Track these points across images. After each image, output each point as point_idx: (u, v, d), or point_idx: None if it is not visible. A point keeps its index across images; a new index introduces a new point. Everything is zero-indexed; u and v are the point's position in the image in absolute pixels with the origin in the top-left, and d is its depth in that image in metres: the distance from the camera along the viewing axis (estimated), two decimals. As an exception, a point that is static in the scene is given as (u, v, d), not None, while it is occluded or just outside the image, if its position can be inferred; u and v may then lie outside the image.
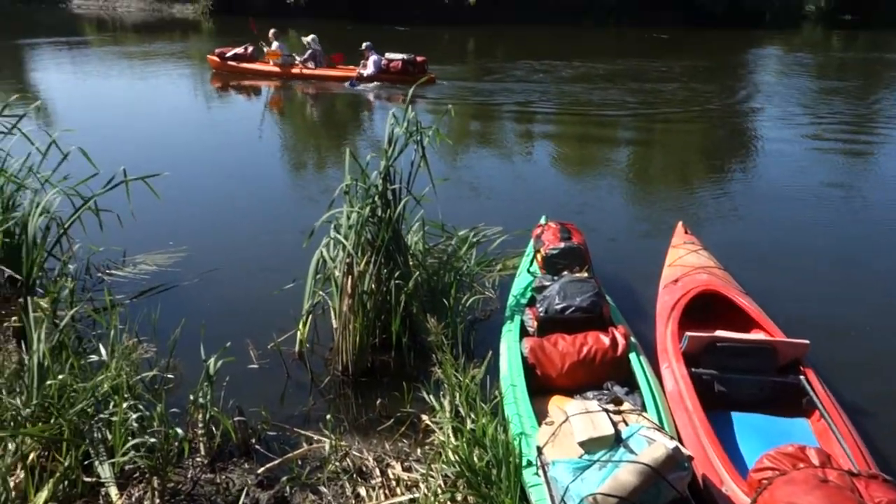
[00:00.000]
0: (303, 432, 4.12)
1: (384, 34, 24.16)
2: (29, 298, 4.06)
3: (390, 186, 4.81)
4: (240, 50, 16.37)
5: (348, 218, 4.72)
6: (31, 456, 3.41)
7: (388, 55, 15.42)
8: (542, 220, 6.16)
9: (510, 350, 4.53)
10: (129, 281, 5.94)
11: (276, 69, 15.94)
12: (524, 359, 4.36)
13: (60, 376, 3.52)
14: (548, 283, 4.96)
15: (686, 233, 6.33)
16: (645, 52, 21.78)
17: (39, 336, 3.66)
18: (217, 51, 16.65)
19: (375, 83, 15.25)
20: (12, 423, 3.40)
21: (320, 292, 4.90)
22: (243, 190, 8.69)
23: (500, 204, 8.28)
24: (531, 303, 5.05)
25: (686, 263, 5.66)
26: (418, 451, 3.98)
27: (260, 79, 16.11)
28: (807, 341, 4.28)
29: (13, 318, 4.95)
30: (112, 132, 10.77)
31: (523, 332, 4.77)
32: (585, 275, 5.05)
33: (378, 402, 4.36)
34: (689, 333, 4.41)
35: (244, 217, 7.70)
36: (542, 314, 4.71)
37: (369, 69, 15.26)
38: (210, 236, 7.01)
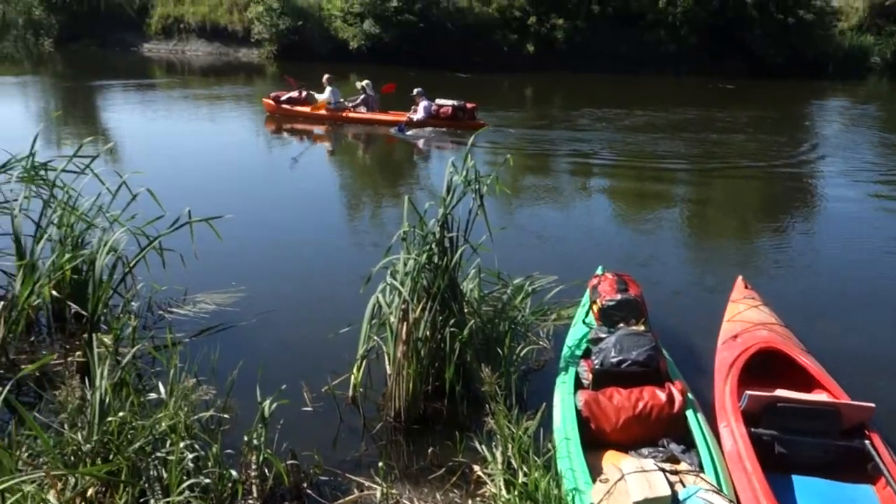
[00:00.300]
0: (354, 478, 4.12)
1: (446, 80, 24.63)
2: (93, 335, 4.19)
3: (447, 234, 4.85)
4: (294, 94, 16.67)
5: (405, 264, 4.78)
6: (90, 492, 3.48)
7: (438, 101, 15.58)
8: (599, 271, 6.12)
9: (564, 402, 4.48)
10: (189, 319, 6.08)
11: (328, 114, 16.20)
12: (578, 412, 4.30)
13: (121, 413, 3.61)
14: (604, 336, 4.91)
15: (746, 287, 6.22)
16: (705, 102, 21.65)
17: (102, 373, 3.76)
18: (272, 94, 16.99)
19: (426, 129, 15.40)
20: (73, 458, 3.49)
21: (375, 337, 4.94)
22: (301, 232, 8.86)
23: (556, 253, 8.26)
24: (586, 355, 5.00)
25: (746, 319, 5.55)
26: (469, 502, 3.94)
27: (313, 122, 16.40)
28: (872, 404, 4.14)
29: (77, 354, 5.12)
30: (177, 172, 11.09)
31: (578, 385, 4.72)
32: (642, 328, 4.99)
33: (430, 450, 4.34)
34: (749, 392, 4.31)
35: (302, 259, 7.82)
36: (597, 367, 4.66)
37: (419, 114, 15.44)
38: (269, 277, 7.13)
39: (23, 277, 5.15)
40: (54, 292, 5.55)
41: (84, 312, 5.26)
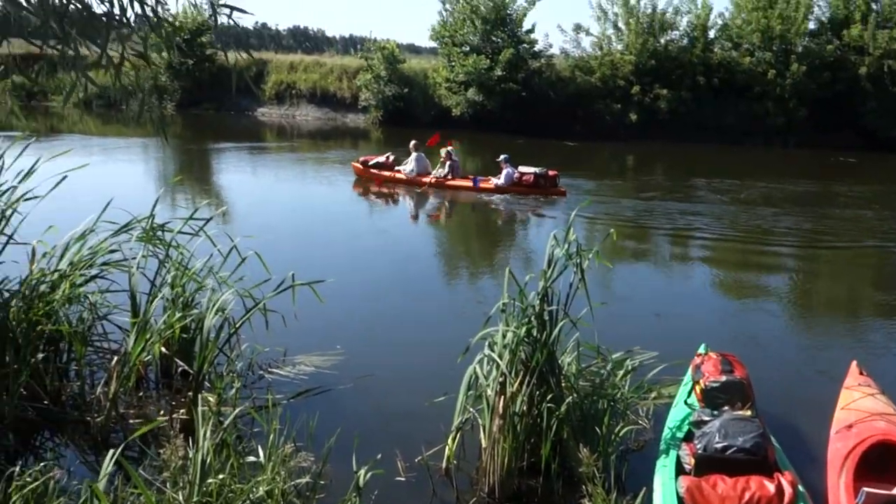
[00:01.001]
0: (445, 553, 4.05)
1: (552, 148, 24.83)
2: (198, 394, 4.32)
3: (548, 308, 4.81)
4: (381, 158, 17.22)
5: (504, 336, 4.74)
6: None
7: (521, 168, 15.80)
8: (702, 350, 5.91)
9: (665, 488, 4.30)
10: (289, 381, 6.20)
11: (415, 178, 16.49)
12: (680, 499, 4.11)
13: (221, 476, 3.68)
14: (707, 419, 4.70)
15: (861, 374, 5.87)
16: (818, 175, 20.97)
17: (205, 433, 3.85)
18: (361, 159, 17.63)
19: (507, 195, 15.64)
20: (173, 518, 3.57)
21: (471, 409, 4.89)
22: (399, 296, 8.98)
23: (657, 328, 8.03)
24: (688, 437, 4.80)
25: (861, 408, 5.22)
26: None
27: (399, 186, 16.76)
28: None
29: (182, 411, 5.28)
30: (283, 233, 11.49)
31: (679, 470, 4.52)
32: (749, 413, 4.76)
33: (523, 530, 4.23)
34: (866, 489, 4.02)
35: (399, 323, 7.91)
36: (700, 452, 4.45)
37: (502, 180, 15.72)
38: (367, 341, 7.22)
39: (136, 334, 5.38)
40: (163, 349, 5.77)
41: (190, 370, 5.45)
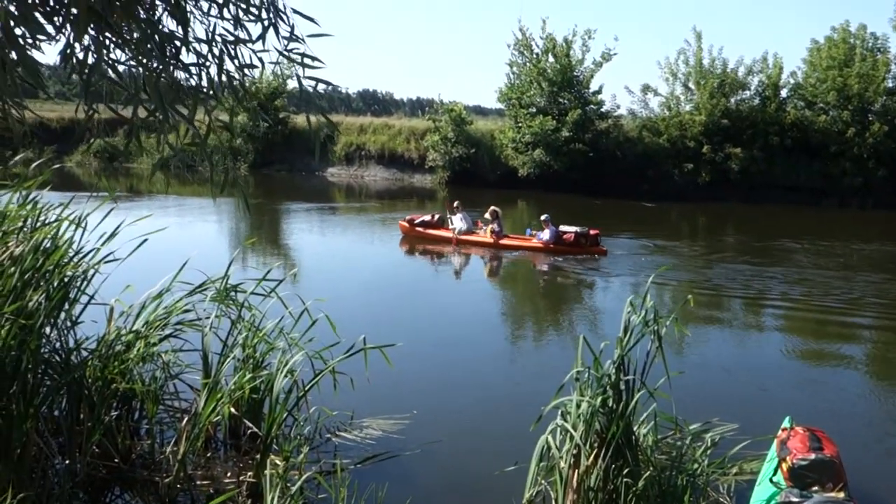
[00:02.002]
0: None
1: (628, 209, 24.66)
2: (266, 458, 4.28)
3: (624, 377, 4.64)
4: (427, 217, 17.75)
5: (578, 406, 4.59)
6: None
7: (562, 227, 16.15)
8: (787, 424, 5.61)
9: (752, 574, 4.03)
10: (356, 445, 6.12)
11: (460, 236, 16.96)
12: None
13: (287, 544, 3.60)
14: (796, 500, 4.45)
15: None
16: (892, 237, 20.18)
17: (273, 498, 3.80)
18: (407, 217, 18.12)
19: (549, 253, 15.93)
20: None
21: (543, 482, 4.73)
22: (467, 359, 8.86)
23: (738, 398, 7.68)
24: (775, 520, 4.52)
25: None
26: None
27: (446, 244, 17.09)
28: None
29: (249, 474, 5.25)
30: (351, 294, 11.59)
31: (766, 555, 4.25)
32: (842, 495, 4.48)
33: None
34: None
35: (468, 387, 7.78)
36: (791, 536, 4.18)
37: (546, 237, 16.04)
38: (435, 405, 7.11)
39: (206, 395, 5.41)
40: (233, 410, 5.78)
41: (259, 432, 5.43)
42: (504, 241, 16.62)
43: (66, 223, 5.62)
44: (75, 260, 5.49)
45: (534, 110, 29.50)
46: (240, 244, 16.04)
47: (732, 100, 29.00)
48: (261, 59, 2.81)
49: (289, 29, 2.77)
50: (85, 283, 5.60)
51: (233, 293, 6.42)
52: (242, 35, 2.72)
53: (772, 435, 5.50)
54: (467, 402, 7.36)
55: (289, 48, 2.78)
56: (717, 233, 21.54)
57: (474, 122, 34.05)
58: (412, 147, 33.92)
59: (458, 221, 17.10)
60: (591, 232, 15.99)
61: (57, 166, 7.07)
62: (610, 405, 4.63)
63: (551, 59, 29.37)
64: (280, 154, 34.90)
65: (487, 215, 16.87)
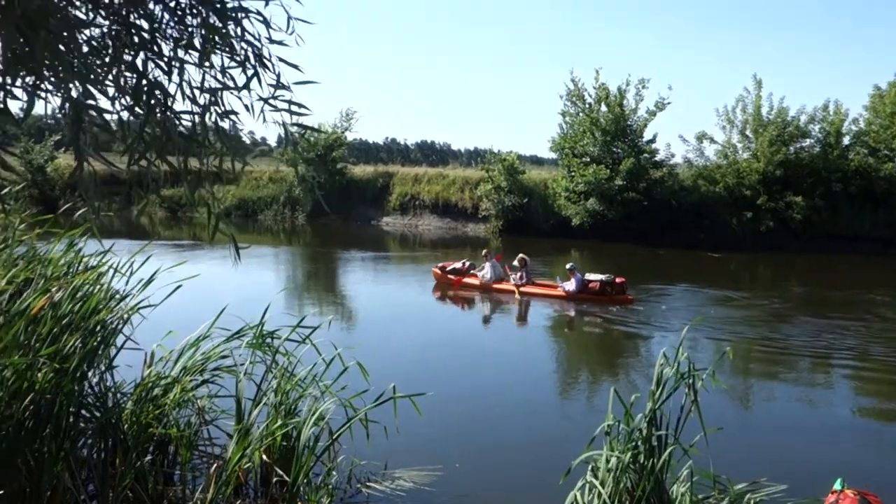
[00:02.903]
0: None
1: (690, 259, 24.23)
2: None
3: (656, 432, 4.45)
4: (458, 265, 18.12)
5: (607, 461, 4.41)
6: None
7: (588, 276, 16.18)
8: (837, 486, 5.30)
9: None
10: (386, 496, 6.00)
11: (489, 284, 17.29)
12: None
13: None
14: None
15: None
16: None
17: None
18: (440, 265, 18.50)
19: (574, 301, 15.95)
20: None
21: (572, 539, 4.53)
22: (494, 410, 8.71)
23: (784, 457, 7.31)
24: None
25: None
26: None
27: (476, 291, 17.42)
28: None
29: (275, 523, 5.17)
30: (388, 342, 11.64)
31: None
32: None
33: None
34: None
35: (498, 440, 7.62)
36: None
37: (573, 287, 16.03)
38: (465, 457, 6.96)
39: (237, 441, 5.39)
40: (264, 456, 5.74)
41: (287, 479, 5.37)
42: (527, 289, 16.77)
43: (107, 268, 5.75)
44: (112, 305, 5.57)
45: (587, 159, 29.40)
46: (289, 290, 16.30)
47: (792, 147, 28.41)
48: (246, 107, 2.82)
49: (275, 77, 2.78)
50: (121, 327, 5.67)
51: (269, 339, 6.45)
52: (229, 83, 2.75)
53: (821, 497, 5.19)
54: (497, 453, 7.20)
55: (275, 95, 2.78)
56: (775, 284, 20.88)
57: (528, 171, 34.15)
58: (466, 196, 34.14)
59: (487, 269, 17.51)
60: (617, 280, 15.94)
61: (106, 213, 7.27)
62: (641, 461, 4.43)
63: (604, 108, 29.34)
64: (337, 204, 35.50)
65: (516, 262, 17.17)
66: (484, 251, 18.09)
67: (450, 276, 17.94)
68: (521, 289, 16.76)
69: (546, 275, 18.67)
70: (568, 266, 16.49)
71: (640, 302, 15.96)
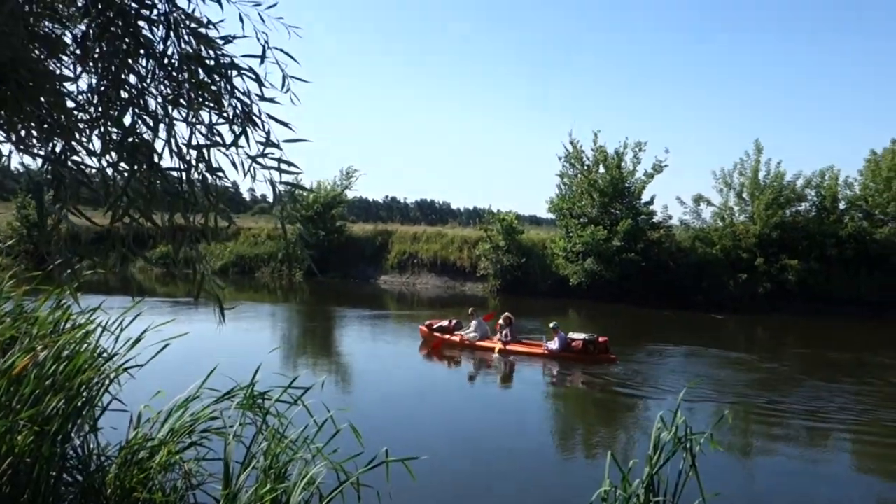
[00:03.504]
0: None
1: (698, 321, 24.15)
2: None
3: (653, 499, 4.32)
4: (444, 322, 18.32)
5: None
6: None
7: (571, 335, 16.27)
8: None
9: None
10: (377, 566, 5.80)
11: (472, 341, 17.43)
12: None
13: None
14: None
15: None
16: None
17: None
18: (427, 322, 18.68)
19: (556, 360, 16.05)
20: None
21: None
22: (487, 473, 8.58)
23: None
24: None
25: None
26: None
27: (460, 349, 17.45)
28: None
29: None
30: (382, 403, 11.52)
31: None
32: None
33: None
34: None
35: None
36: None
37: (556, 346, 16.10)
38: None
39: (224, 506, 5.22)
40: (251, 523, 5.56)
41: (275, 548, 5.19)
42: (511, 347, 16.82)
43: (94, 327, 5.67)
44: (98, 364, 5.47)
45: (585, 220, 29.55)
46: (283, 349, 16.19)
47: (788, 211, 28.67)
48: (234, 164, 2.79)
49: (264, 135, 2.76)
50: (107, 387, 5.56)
51: (260, 400, 6.32)
52: (217, 140, 2.72)
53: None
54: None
55: (265, 153, 2.75)
56: (776, 345, 20.75)
57: (526, 231, 34.34)
58: (464, 255, 34.20)
59: (473, 328, 17.72)
60: (600, 339, 16.03)
61: (97, 271, 7.22)
62: (639, 530, 4.29)
63: (602, 170, 29.63)
64: (335, 261, 35.50)
65: (501, 321, 17.33)
66: (470, 310, 18.30)
67: (436, 333, 18.05)
68: (506, 347, 16.82)
69: (541, 333, 18.56)
70: (551, 325, 16.56)
71: (637, 363, 15.84)
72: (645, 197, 29.90)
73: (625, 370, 14.98)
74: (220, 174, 2.74)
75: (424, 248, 35.75)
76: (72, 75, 2.42)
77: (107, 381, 5.54)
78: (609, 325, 23.66)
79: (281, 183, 2.80)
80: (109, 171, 2.52)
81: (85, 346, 5.49)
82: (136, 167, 2.56)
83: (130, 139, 2.51)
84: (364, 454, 5.61)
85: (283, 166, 2.74)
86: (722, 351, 18.02)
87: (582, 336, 16.10)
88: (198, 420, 6.14)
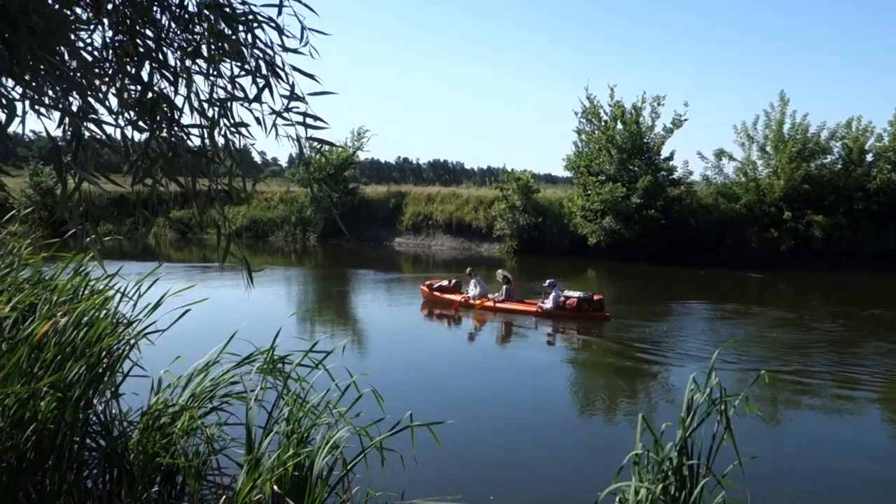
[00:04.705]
0: None
1: (724, 279, 24.01)
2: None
3: (687, 462, 4.28)
4: (445, 282, 18.66)
5: (636, 493, 4.23)
6: None
7: (566, 293, 16.42)
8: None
9: None
10: (402, 528, 5.83)
11: (473, 301, 17.56)
12: None
13: None
14: None
15: None
16: None
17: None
18: (427, 283, 19.00)
19: (551, 319, 16.25)
20: None
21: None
22: (513, 438, 8.59)
23: (823, 488, 7.09)
24: None
25: None
26: None
27: (462, 307, 17.64)
28: None
29: (287, 559, 5.01)
30: (405, 367, 11.53)
31: None
32: None
33: None
34: None
35: (516, 468, 7.47)
36: None
37: (549, 304, 16.33)
38: (486, 486, 6.80)
39: (248, 470, 5.24)
40: (275, 487, 5.59)
41: (300, 511, 5.21)
42: (503, 305, 17.11)
43: (113, 293, 5.66)
44: (118, 331, 5.47)
45: (603, 178, 29.29)
46: (300, 313, 16.26)
47: (813, 164, 28.22)
48: (258, 120, 2.70)
49: (288, 88, 2.66)
50: (127, 353, 5.56)
51: (280, 364, 6.32)
52: (239, 94, 2.63)
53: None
54: (520, 484, 7.03)
55: (289, 107, 2.66)
56: (799, 304, 20.55)
57: (542, 190, 34.08)
58: (480, 216, 34.06)
59: (473, 286, 17.93)
60: (595, 297, 16.11)
61: (115, 236, 7.20)
62: (672, 493, 4.25)
63: (620, 126, 29.25)
64: (348, 224, 35.52)
65: (499, 278, 17.64)
66: (468, 269, 18.56)
67: (436, 293, 18.37)
68: (497, 305, 17.13)
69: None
70: (547, 282, 16.66)
71: (660, 323, 15.76)
72: (664, 153, 29.65)
73: (647, 332, 14.89)
74: (245, 131, 2.66)
75: (439, 209, 35.63)
76: (86, 25, 2.33)
77: (127, 348, 5.54)
78: (629, 285, 23.58)
79: (308, 139, 2.71)
80: (129, 130, 2.46)
81: (104, 312, 5.48)
82: (155, 125, 2.48)
83: (149, 95, 2.43)
84: (387, 419, 5.61)
85: (310, 121, 2.65)
86: (751, 309, 17.89)
87: (577, 294, 16.26)
88: (218, 385, 6.15)
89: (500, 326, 16.26)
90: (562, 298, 16.26)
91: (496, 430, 8.97)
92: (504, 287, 17.38)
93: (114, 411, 5.55)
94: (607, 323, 15.62)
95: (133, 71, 2.43)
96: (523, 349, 14.49)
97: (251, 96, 2.62)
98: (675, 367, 12.17)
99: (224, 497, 5.19)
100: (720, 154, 30.19)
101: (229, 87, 2.61)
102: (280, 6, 2.64)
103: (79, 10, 2.33)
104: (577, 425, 9.53)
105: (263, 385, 6.08)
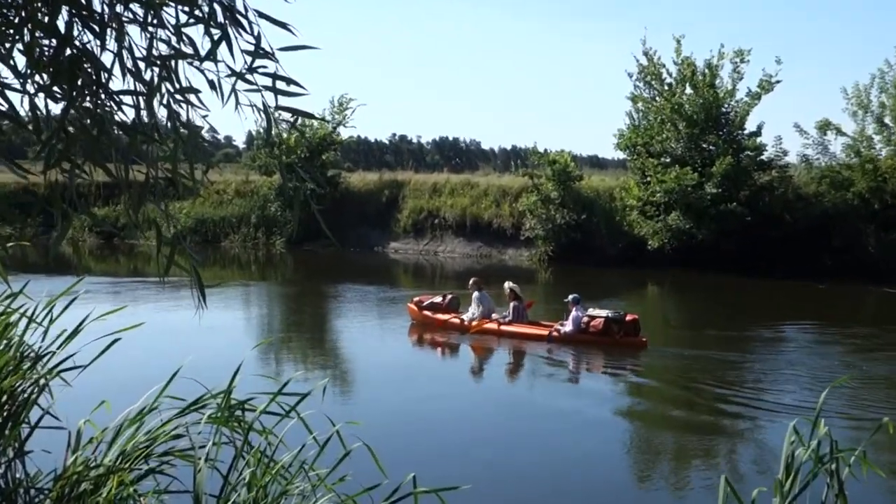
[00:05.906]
0: None
1: (830, 295, 23.97)
2: None
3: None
4: (437, 299, 18.57)
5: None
6: None
7: (590, 312, 16.44)
8: None
9: None
10: None
11: (472, 324, 17.54)
12: None
13: None
14: None
15: None
16: None
17: None
18: (416, 299, 18.94)
19: (569, 346, 16.45)
20: None
21: None
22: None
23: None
24: None
25: None
26: None
27: (456, 331, 17.74)
28: None
29: None
30: (398, 413, 11.64)
31: None
32: None
33: None
34: None
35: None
36: None
37: (569, 327, 16.42)
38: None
39: (196, 557, 5.26)
40: (233, 577, 5.61)
41: None
42: (509, 329, 17.18)
43: (18, 317, 5.69)
44: (23, 367, 5.50)
45: (667, 160, 29.29)
46: (265, 344, 16.28)
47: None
48: (211, 84, 2.68)
49: (253, 40, 2.64)
50: (36, 398, 5.59)
51: (240, 412, 6.34)
52: (187, 49, 2.61)
53: None
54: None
55: (253, 66, 2.64)
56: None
57: (587, 177, 34.08)
58: (504, 212, 34.05)
59: (473, 305, 17.87)
60: (628, 318, 16.17)
61: (17, 242, 7.22)
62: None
63: (689, 90, 29.26)
64: (328, 224, 35.37)
65: (506, 292, 17.76)
66: (472, 280, 18.56)
67: (426, 312, 18.37)
68: (502, 327, 17.20)
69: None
70: (569, 297, 16.79)
71: (746, 354, 15.71)
72: (749, 126, 29.68)
73: (726, 366, 14.84)
74: (194, 98, 2.65)
75: (448, 203, 35.64)
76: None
77: (35, 390, 5.57)
78: (700, 303, 23.54)
79: (277, 108, 2.70)
80: (39, 98, 2.45)
81: (4, 343, 5.51)
82: (76, 92, 2.48)
83: (67, 52, 2.42)
84: (384, 484, 5.61)
85: (281, 85, 2.63)
86: (875, 336, 17.80)
87: (603, 313, 16.27)
88: (157, 440, 6.17)
89: (508, 356, 16.49)
90: (584, 319, 16.31)
91: (521, 493, 8.98)
92: (511, 304, 17.41)
93: (17, 475, 5.58)
94: (641, 350, 15.77)
95: (46, 19, 2.43)
96: (542, 389, 14.50)
97: (202, 52, 2.61)
98: (765, 416, 12.13)
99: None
100: (824, 127, 30.01)
101: (174, 39, 2.59)
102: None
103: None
104: (627, 495, 9.53)
105: (217, 439, 6.09)
